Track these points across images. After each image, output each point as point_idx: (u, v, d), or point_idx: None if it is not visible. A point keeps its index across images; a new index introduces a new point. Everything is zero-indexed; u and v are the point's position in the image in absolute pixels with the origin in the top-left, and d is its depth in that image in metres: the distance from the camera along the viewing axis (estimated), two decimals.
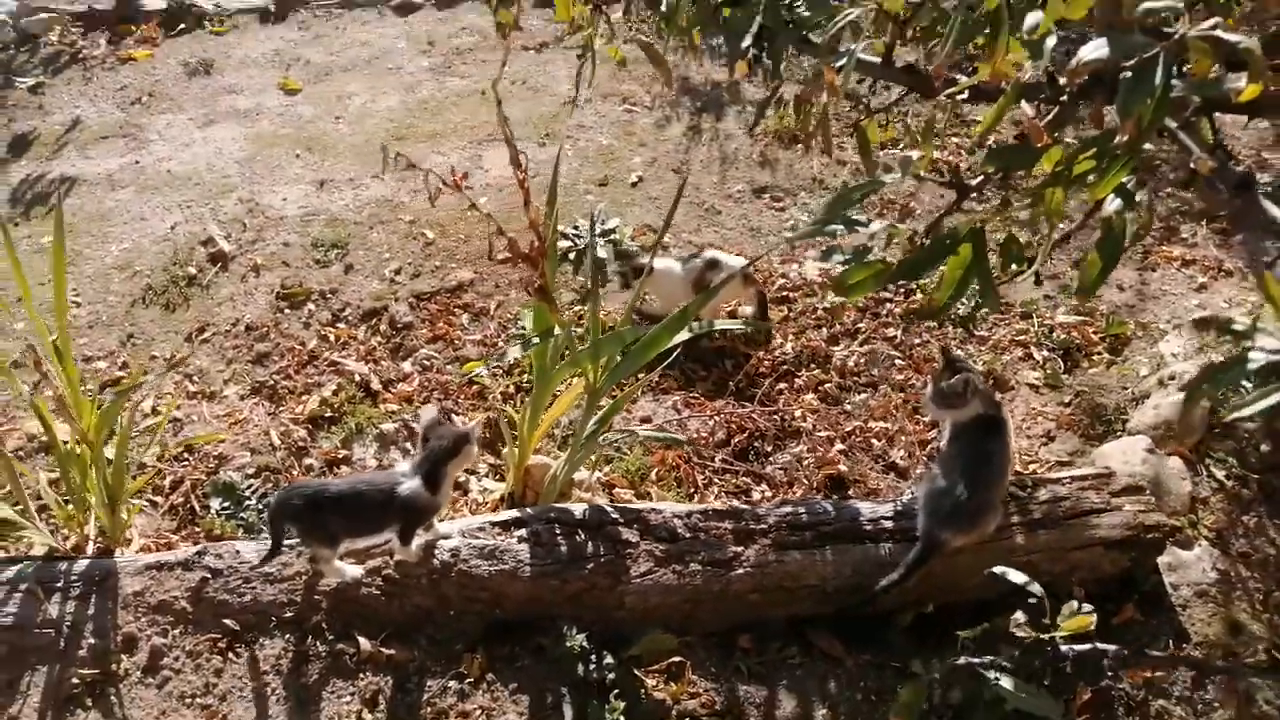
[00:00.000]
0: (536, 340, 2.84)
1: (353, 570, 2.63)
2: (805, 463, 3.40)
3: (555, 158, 3.02)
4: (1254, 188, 1.61)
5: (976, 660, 1.62)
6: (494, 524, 2.76)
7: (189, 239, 4.54)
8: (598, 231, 4.46)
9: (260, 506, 3.22)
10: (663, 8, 2.29)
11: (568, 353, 2.93)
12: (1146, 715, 2.54)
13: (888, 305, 4.11)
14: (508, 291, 4.24)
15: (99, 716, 2.42)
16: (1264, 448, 3.18)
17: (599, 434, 3.00)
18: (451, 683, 2.50)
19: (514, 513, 2.82)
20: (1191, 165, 1.67)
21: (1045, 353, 3.81)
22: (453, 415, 2.83)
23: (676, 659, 2.56)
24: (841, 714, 2.50)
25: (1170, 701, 2.57)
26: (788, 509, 2.86)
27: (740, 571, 2.70)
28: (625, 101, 5.56)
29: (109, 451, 2.88)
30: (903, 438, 3.48)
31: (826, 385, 3.75)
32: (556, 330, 2.84)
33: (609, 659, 2.51)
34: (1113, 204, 1.51)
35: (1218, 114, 1.80)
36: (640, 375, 3.37)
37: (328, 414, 3.59)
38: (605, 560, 2.68)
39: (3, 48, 6.17)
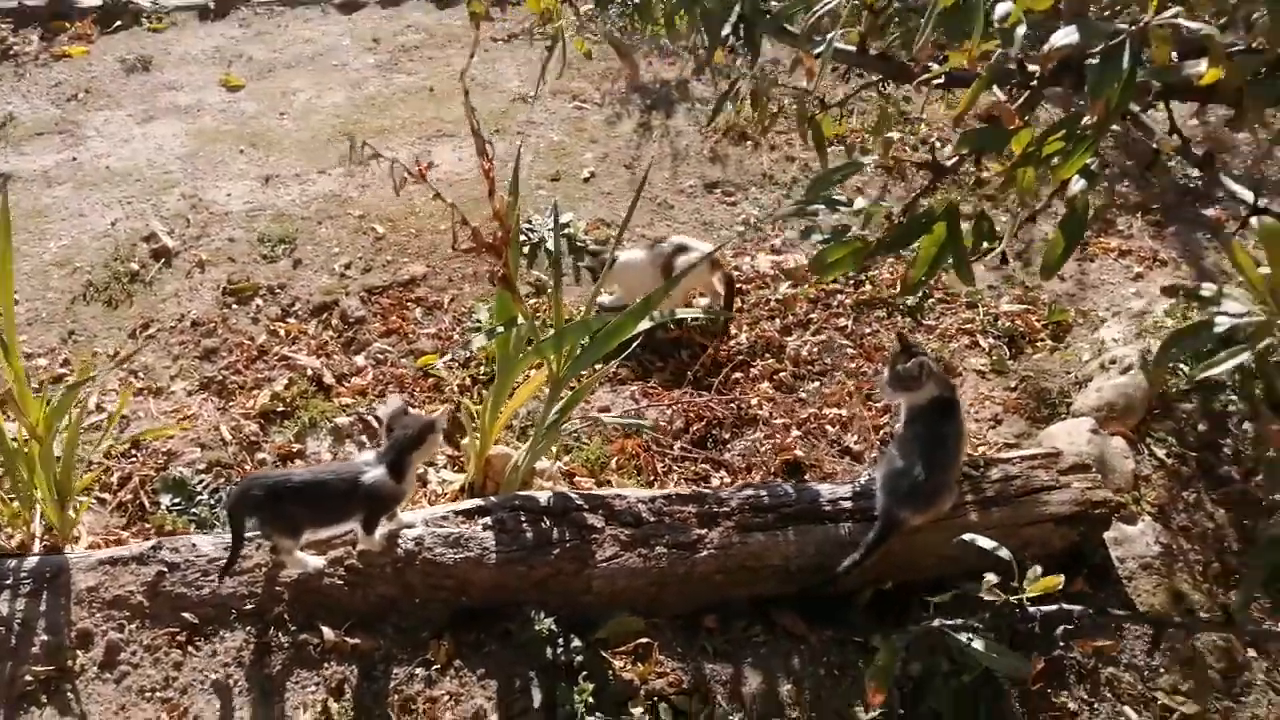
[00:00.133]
0: (500, 329, 2.83)
1: (315, 561, 2.60)
2: (763, 449, 3.45)
3: (515, 151, 3.03)
4: (1215, 164, 1.68)
5: (949, 623, 1.66)
6: (457, 513, 2.75)
7: (130, 235, 4.43)
8: (550, 226, 4.47)
9: (213, 502, 3.16)
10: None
11: (530, 344, 2.93)
12: (1097, 682, 2.63)
13: (839, 297, 4.18)
14: (461, 286, 4.22)
15: (55, 713, 2.35)
16: (1201, 427, 3.31)
17: (561, 423, 3.01)
18: (418, 670, 2.48)
19: (477, 501, 2.82)
20: (1155, 145, 1.74)
21: (991, 340, 3.91)
22: (408, 409, 2.81)
23: (644, 640, 2.57)
24: (806, 689, 2.55)
25: (1119, 669, 2.66)
26: (749, 492, 2.89)
27: (705, 553, 2.73)
28: (575, 99, 5.58)
29: (56, 448, 2.81)
30: (857, 423, 3.55)
31: (781, 374, 3.80)
32: (520, 320, 2.84)
33: (576, 642, 2.52)
34: (1077, 184, 1.57)
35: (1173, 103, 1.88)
36: (599, 366, 3.39)
37: (280, 408, 3.53)
38: (571, 545, 2.69)
39: None
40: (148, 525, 3.07)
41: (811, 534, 2.79)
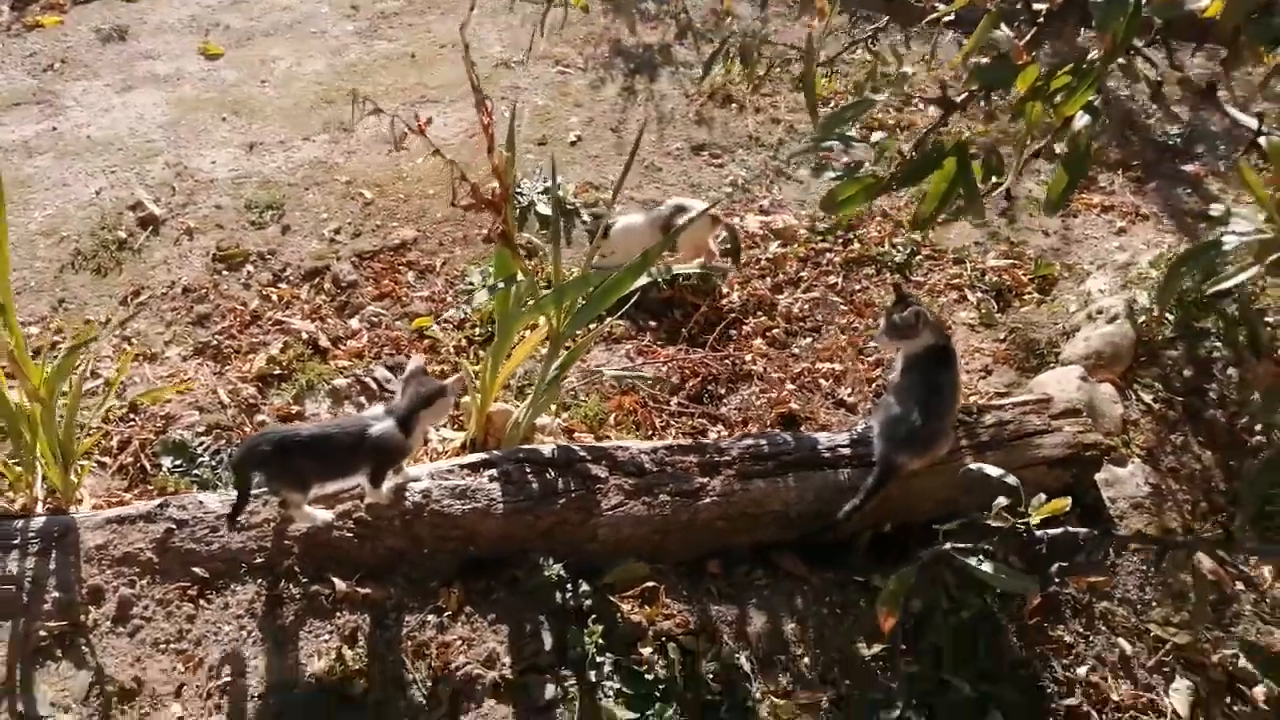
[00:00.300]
0: (501, 285, 2.85)
1: (323, 515, 2.62)
2: (758, 403, 3.50)
3: (505, 111, 3.02)
4: (1216, 95, 1.73)
5: (960, 545, 1.72)
6: (463, 466, 2.78)
7: (116, 204, 4.39)
8: (540, 190, 4.48)
9: (214, 463, 3.17)
10: None
11: (529, 301, 2.95)
12: (1092, 616, 2.71)
13: (828, 255, 4.23)
14: (452, 249, 4.22)
15: (71, 666, 2.37)
16: (1187, 373, 3.39)
17: (561, 378, 3.04)
18: (430, 616, 2.52)
19: (482, 455, 2.85)
20: (1158, 78, 1.78)
21: (979, 294, 3.98)
22: (427, 371, 2.83)
23: (650, 585, 2.62)
24: (809, 627, 2.61)
25: (1113, 603, 2.74)
26: (749, 441, 2.94)
27: (707, 501, 2.77)
28: (559, 63, 5.56)
29: (58, 411, 2.80)
30: (850, 376, 3.60)
31: (774, 331, 3.85)
32: (519, 276, 2.86)
33: (585, 587, 2.56)
34: (1081, 120, 1.62)
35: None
36: (594, 325, 3.42)
37: (276, 371, 3.54)
38: (576, 495, 2.72)
39: None
40: (150, 487, 3.08)
41: (811, 480, 2.84)
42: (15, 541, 2.57)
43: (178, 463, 3.16)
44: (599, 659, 2.43)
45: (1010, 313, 3.89)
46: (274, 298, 3.90)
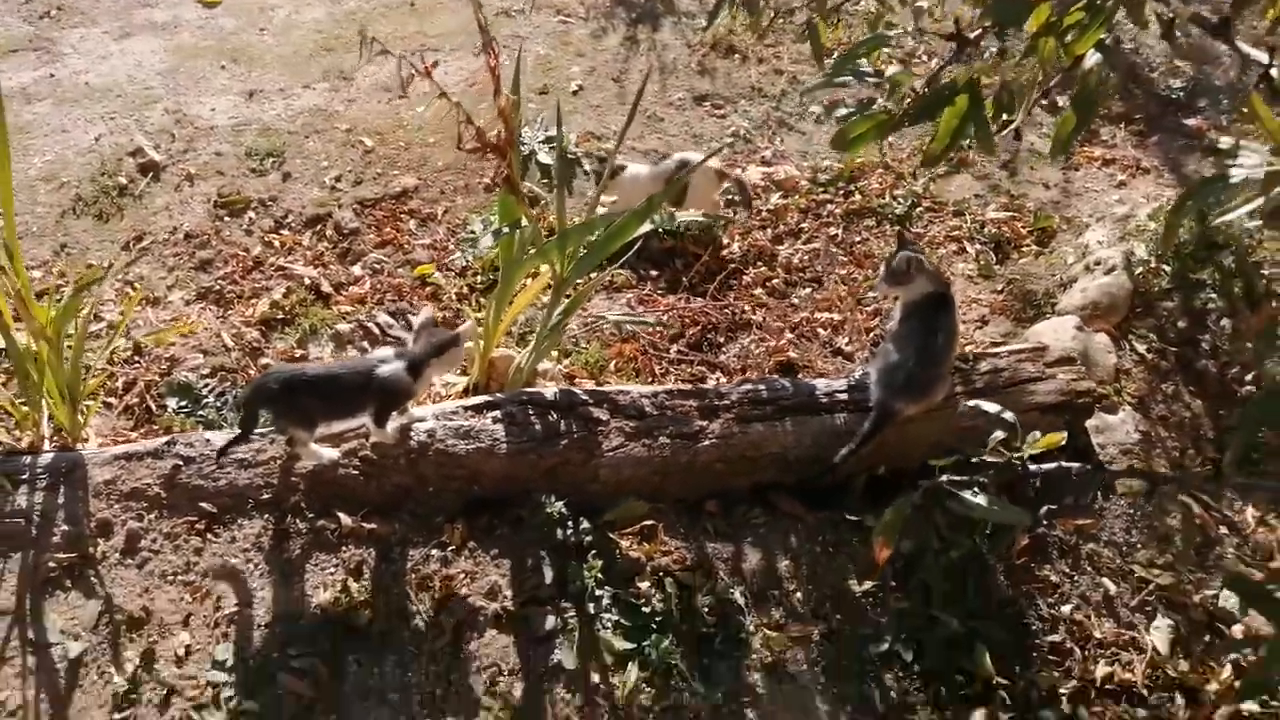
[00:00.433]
0: (505, 231, 2.87)
1: (329, 453, 2.67)
2: (757, 351, 3.53)
3: (513, 58, 3.01)
4: (1231, 28, 1.74)
5: (955, 478, 1.76)
6: (467, 408, 2.82)
7: (116, 150, 4.39)
8: (541, 139, 4.48)
9: (219, 404, 3.21)
10: None
11: (532, 247, 2.96)
12: (1078, 557, 2.77)
13: (829, 206, 4.24)
14: (454, 198, 4.23)
15: (80, 596, 2.43)
16: (1181, 324, 3.43)
17: (563, 325, 3.07)
18: (434, 551, 2.57)
19: (486, 397, 2.88)
20: (1170, 14, 1.79)
21: (978, 246, 4.00)
22: (437, 321, 2.86)
23: (649, 523, 2.67)
24: (803, 564, 2.67)
25: (1099, 545, 2.80)
26: (748, 387, 2.98)
27: (706, 443, 2.82)
28: (560, 13, 5.53)
29: (64, 351, 2.83)
30: (848, 326, 3.63)
31: (773, 281, 3.87)
32: (523, 222, 2.87)
33: (585, 524, 2.62)
34: (1093, 58, 1.63)
35: None
36: (595, 274, 3.44)
37: (279, 316, 3.57)
38: (578, 437, 2.77)
39: None
40: (155, 427, 3.12)
41: (808, 424, 2.89)
42: (24, 476, 2.61)
43: (183, 404, 3.20)
44: (598, 592, 2.49)
45: (1008, 265, 3.92)
46: (276, 244, 3.92)
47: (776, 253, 4.00)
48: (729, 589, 2.57)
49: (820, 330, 3.64)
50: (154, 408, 3.19)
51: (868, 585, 2.62)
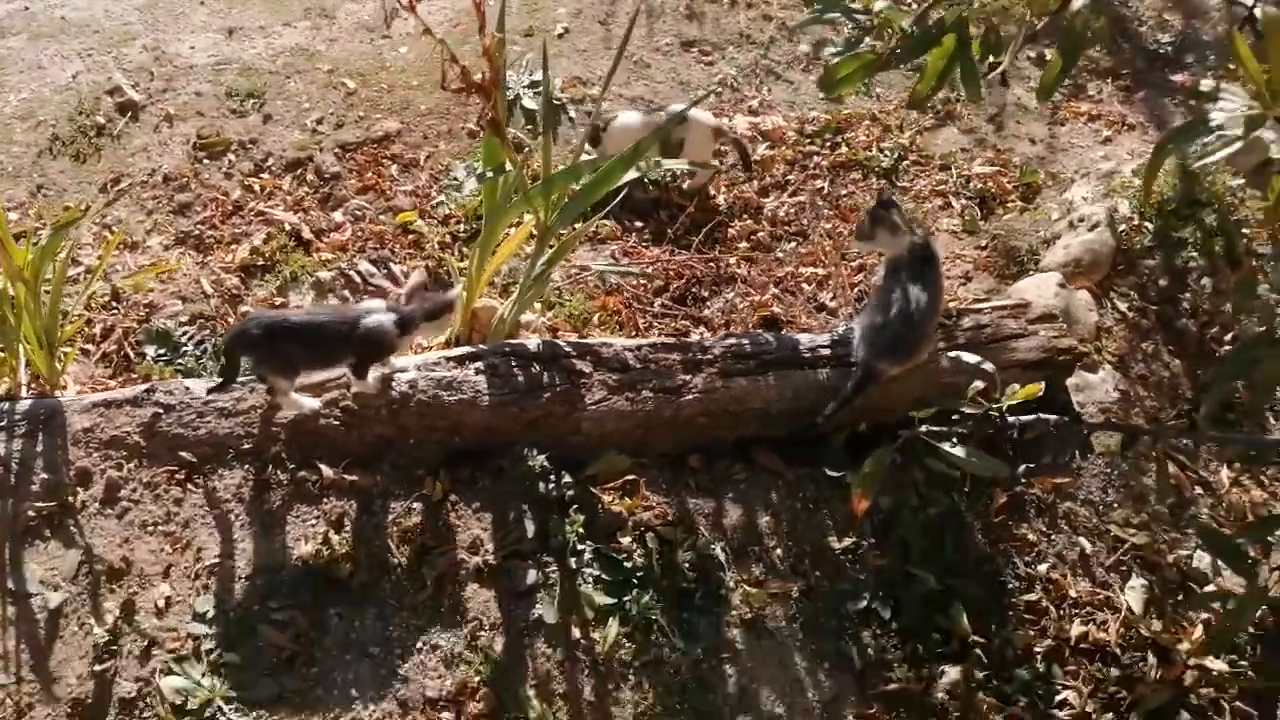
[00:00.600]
0: (489, 175, 2.83)
1: (310, 402, 2.66)
2: (741, 306, 3.53)
3: None
4: None
5: (934, 429, 1.77)
6: (449, 358, 2.81)
7: (93, 88, 4.29)
8: (526, 83, 4.40)
9: (198, 353, 3.18)
10: None
11: (517, 194, 2.93)
12: (1055, 516, 2.81)
13: (815, 159, 4.20)
14: (436, 144, 4.17)
15: (60, 546, 2.43)
16: (1162, 282, 3.44)
17: (548, 274, 3.04)
18: (416, 504, 2.58)
19: (469, 348, 2.87)
20: None
21: (963, 201, 3.98)
22: (428, 286, 2.83)
23: (631, 477, 2.69)
24: (783, 520, 2.70)
25: (1076, 504, 2.84)
26: (732, 341, 2.98)
27: (689, 397, 2.82)
28: None
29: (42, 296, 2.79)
30: (833, 281, 3.63)
31: (759, 235, 3.85)
32: (508, 166, 2.83)
33: (567, 478, 2.63)
34: (1080, 0, 1.60)
35: None
36: (580, 224, 3.41)
37: (260, 262, 3.52)
38: (561, 389, 2.77)
39: None
40: (134, 375, 3.09)
41: (791, 379, 2.90)
42: (2, 423, 2.59)
43: (161, 351, 3.17)
44: (579, 547, 2.52)
45: (993, 220, 3.91)
46: (256, 188, 3.86)
47: (762, 205, 3.97)
48: (710, 545, 2.60)
49: (804, 285, 3.64)
50: (132, 355, 3.16)
51: (847, 542, 2.66)
